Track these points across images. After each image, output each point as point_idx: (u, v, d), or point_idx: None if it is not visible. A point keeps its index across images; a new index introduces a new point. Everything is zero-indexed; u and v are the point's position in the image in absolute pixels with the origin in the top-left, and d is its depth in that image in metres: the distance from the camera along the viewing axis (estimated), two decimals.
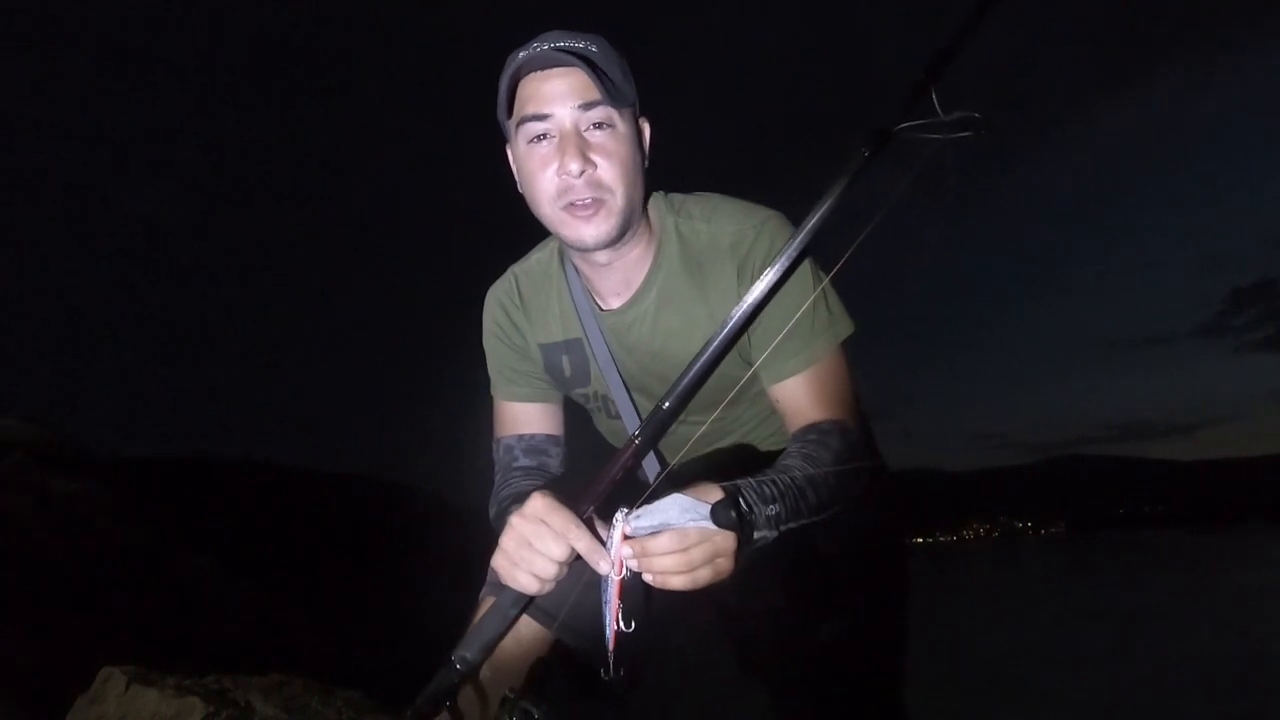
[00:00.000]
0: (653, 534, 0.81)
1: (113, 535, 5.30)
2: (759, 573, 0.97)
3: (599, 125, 1.04)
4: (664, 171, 1.20)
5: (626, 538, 0.82)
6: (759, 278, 0.92)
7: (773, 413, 1.21)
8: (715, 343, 0.91)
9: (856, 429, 1.12)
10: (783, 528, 0.92)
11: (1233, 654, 7.43)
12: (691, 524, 0.80)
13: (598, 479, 0.92)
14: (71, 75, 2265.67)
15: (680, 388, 0.91)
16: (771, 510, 0.90)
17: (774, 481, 0.93)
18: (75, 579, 4.29)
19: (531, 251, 1.32)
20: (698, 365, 0.91)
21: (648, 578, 0.82)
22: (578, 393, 1.33)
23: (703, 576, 0.81)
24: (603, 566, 0.84)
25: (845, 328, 1.16)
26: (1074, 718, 5.56)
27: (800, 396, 1.12)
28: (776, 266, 0.91)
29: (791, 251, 0.90)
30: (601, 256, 1.13)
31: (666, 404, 0.92)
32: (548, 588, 0.90)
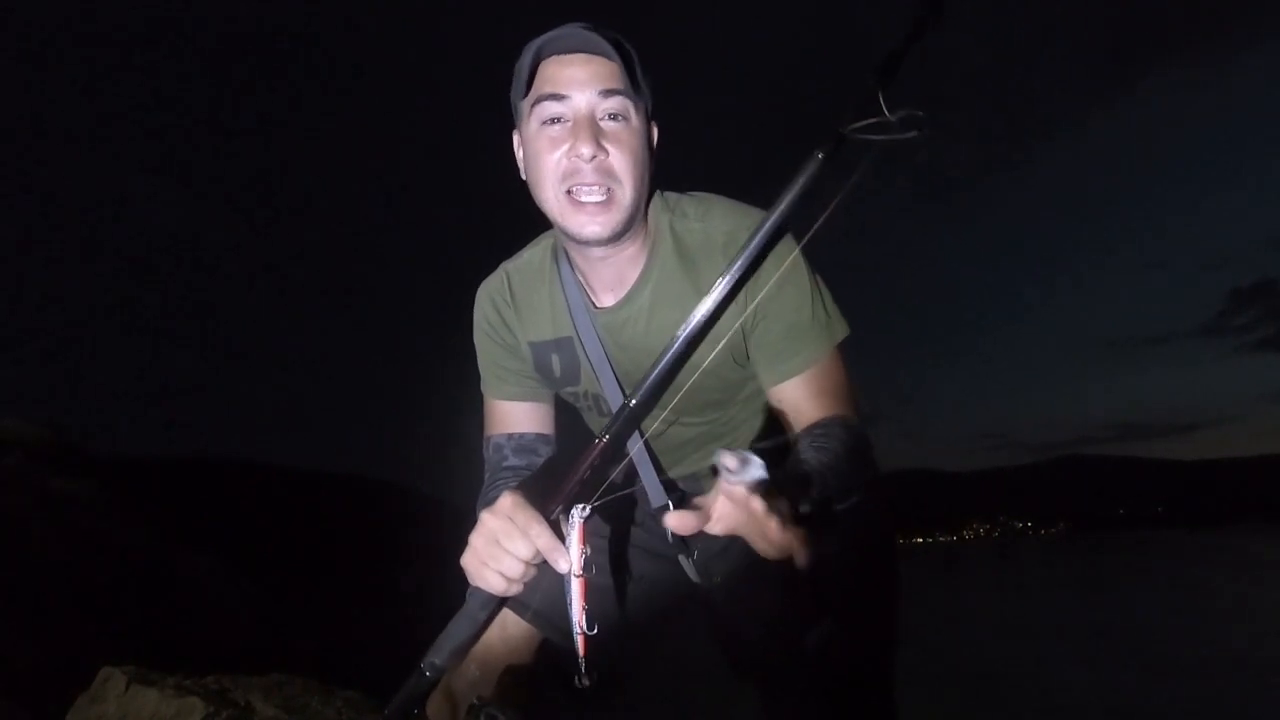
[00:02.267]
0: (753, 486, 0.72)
1: (113, 535, 5.30)
2: (749, 574, 0.96)
3: (614, 116, 1.03)
4: (663, 171, 1.19)
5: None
6: (731, 269, 0.93)
7: (766, 413, 1.21)
8: (680, 339, 0.92)
9: (860, 422, 1.12)
10: (804, 508, 0.88)
11: (1231, 654, 7.43)
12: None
13: (565, 478, 0.91)
14: (69, 73, 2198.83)
15: (647, 384, 0.91)
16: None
17: (795, 473, 0.92)
18: (75, 579, 4.29)
19: (524, 249, 1.29)
20: (664, 361, 0.91)
21: (718, 528, 0.75)
22: (567, 391, 1.32)
23: (773, 529, 0.73)
24: (561, 565, 0.83)
25: (841, 330, 1.17)
26: (1072, 717, 5.56)
27: (802, 396, 1.13)
28: (739, 263, 0.93)
29: (750, 252, 0.93)
30: (598, 252, 1.12)
31: (634, 401, 0.91)
32: (515, 588, 0.88)
